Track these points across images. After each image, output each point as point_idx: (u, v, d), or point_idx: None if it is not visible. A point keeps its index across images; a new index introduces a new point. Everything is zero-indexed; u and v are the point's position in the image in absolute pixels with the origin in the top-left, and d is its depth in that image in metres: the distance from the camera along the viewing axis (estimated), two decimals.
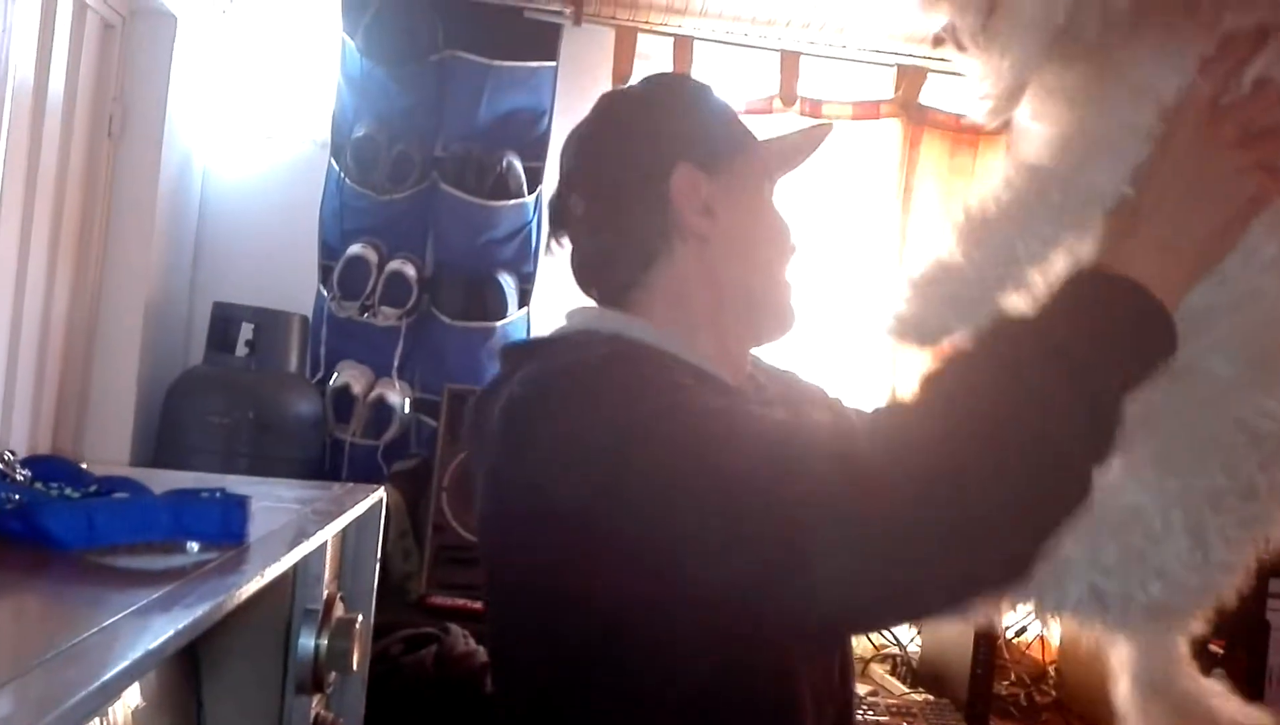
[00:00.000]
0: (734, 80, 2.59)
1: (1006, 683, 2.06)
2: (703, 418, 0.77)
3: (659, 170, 1.00)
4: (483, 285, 2.43)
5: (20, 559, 0.63)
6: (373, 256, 2.43)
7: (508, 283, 2.46)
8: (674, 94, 1.09)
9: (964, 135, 2.61)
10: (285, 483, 1.07)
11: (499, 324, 2.46)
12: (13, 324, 1.89)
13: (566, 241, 1.06)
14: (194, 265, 2.52)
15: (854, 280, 2.59)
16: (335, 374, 2.43)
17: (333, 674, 0.99)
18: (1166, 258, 0.71)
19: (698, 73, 2.56)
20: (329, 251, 2.47)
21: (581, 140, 1.06)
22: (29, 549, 0.64)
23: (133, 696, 0.74)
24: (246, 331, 2.39)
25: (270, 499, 0.96)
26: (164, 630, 0.54)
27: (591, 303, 1.04)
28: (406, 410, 2.41)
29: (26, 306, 1.93)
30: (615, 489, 0.76)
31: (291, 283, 2.49)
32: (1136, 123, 0.74)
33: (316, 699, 1.00)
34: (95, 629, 0.53)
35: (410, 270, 2.44)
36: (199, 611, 0.58)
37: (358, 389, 2.39)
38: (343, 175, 2.45)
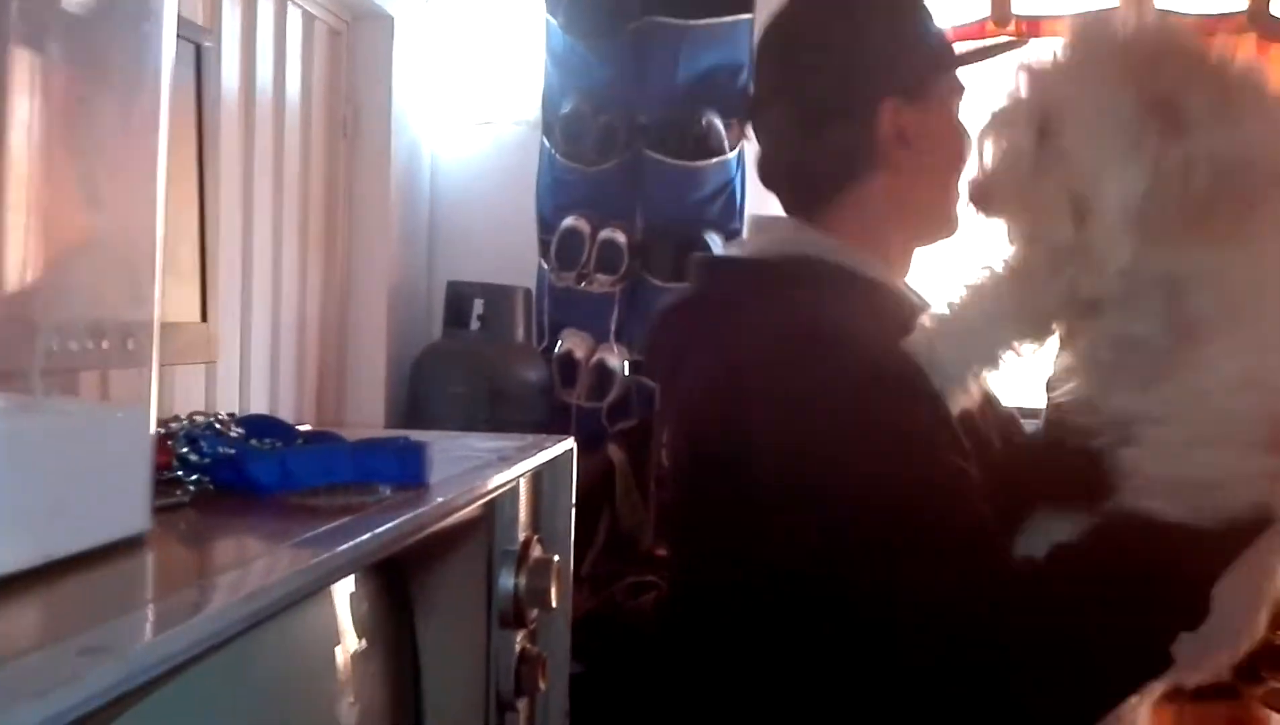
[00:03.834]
0: (941, 3, 2.47)
1: None
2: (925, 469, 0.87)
3: (867, 101, 1.01)
4: (691, 246, 2.45)
5: (231, 502, 0.72)
6: (585, 227, 2.52)
7: (715, 242, 2.48)
8: (888, 7, 1.08)
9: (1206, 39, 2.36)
10: (482, 435, 1.14)
11: None
12: (273, 313, 2.12)
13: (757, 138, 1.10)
14: (429, 248, 2.72)
15: None
16: (559, 342, 2.55)
17: (534, 611, 1.06)
18: None
19: None
20: (546, 226, 2.59)
21: (789, 44, 1.07)
22: (239, 494, 0.74)
23: (351, 640, 0.83)
24: (478, 307, 2.56)
25: (465, 449, 1.04)
26: (353, 539, 0.60)
27: (778, 211, 1.09)
28: (626, 372, 2.50)
29: (284, 297, 2.16)
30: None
31: (515, 258, 2.63)
32: None
33: (521, 634, 1.07)
34: (300, 537, 0.61)
35: (621, 237, 2.51)
36: (381, 528, 0.65)
37: (580, 355, 2.50)
38: (553, 151, 2.56)
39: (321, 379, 2.35)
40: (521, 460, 0.96)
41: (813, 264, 1.01)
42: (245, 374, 2.01)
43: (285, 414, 2.14)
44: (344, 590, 0.81)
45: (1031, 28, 2.43)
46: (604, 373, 2.51)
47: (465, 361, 2.50)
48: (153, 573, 0.56)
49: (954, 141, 1.06)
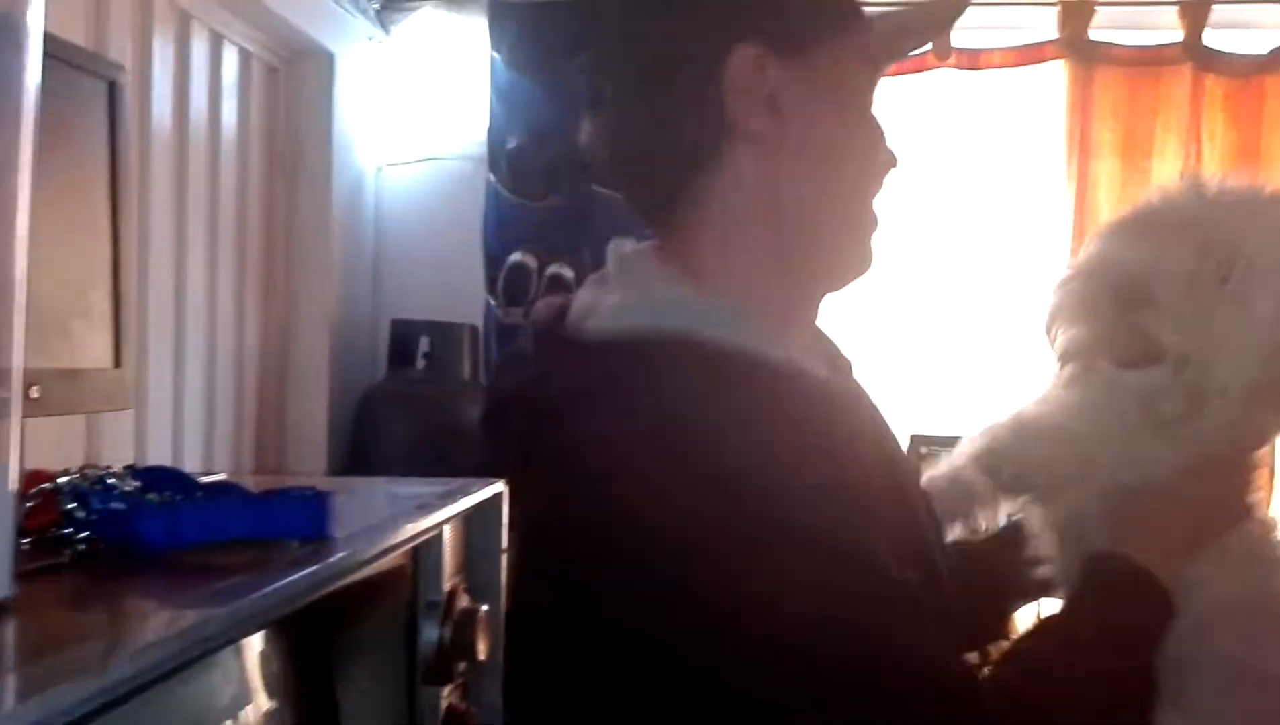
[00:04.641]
0: None
1: None
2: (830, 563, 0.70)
3: (713, 48, 0.79)
4: None
5: (116, 563, 0.67)
6: (532, 263, 2.49)
7: None
8: None
9: (1144, 69, 2.41)
10: (410, 480, 1.10)
11: None
12: (208, 356, 2.06)
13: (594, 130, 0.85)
14: (373, 286, 2.67)
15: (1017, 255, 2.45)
16: None
17: (461, 664, 1.01)
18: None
19: None
20: (492, 262, 2.56)
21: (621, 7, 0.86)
22: (129, 554, 0.69)
23: (261, 699, 0.78)
24: (424, 345, 2.51)
25: (386, 496, 1.00)
26: (233, 603, 0.55)
27: (630, 245, 0.87)
28: None
29: (219, 339, 2.10)
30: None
31: (461, 294, 2.58)
32: None
33: (448, 689, 1.02)
34: (177, 601, 0.56)
35: (569, 272, 2.49)
36: (265, 590, 0.60)
37: None
38: (499, 186, 2.53)
39: (260, 424, 2.28)
40: (443, 507, 0.92)
41: (679, 346, 0.78)
42: (179, 421, 1.95)
43: (221, 462, 2.08)
44: (252, 648, 0.76)
45: (971, 60, 2.45)
46: None
47: (411, 402, 2.44)
48: (9, 646, 0.51)
49: (857, 125, 0.83)
